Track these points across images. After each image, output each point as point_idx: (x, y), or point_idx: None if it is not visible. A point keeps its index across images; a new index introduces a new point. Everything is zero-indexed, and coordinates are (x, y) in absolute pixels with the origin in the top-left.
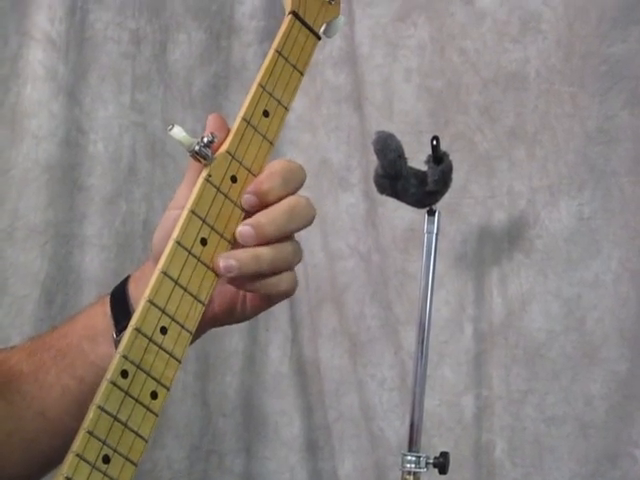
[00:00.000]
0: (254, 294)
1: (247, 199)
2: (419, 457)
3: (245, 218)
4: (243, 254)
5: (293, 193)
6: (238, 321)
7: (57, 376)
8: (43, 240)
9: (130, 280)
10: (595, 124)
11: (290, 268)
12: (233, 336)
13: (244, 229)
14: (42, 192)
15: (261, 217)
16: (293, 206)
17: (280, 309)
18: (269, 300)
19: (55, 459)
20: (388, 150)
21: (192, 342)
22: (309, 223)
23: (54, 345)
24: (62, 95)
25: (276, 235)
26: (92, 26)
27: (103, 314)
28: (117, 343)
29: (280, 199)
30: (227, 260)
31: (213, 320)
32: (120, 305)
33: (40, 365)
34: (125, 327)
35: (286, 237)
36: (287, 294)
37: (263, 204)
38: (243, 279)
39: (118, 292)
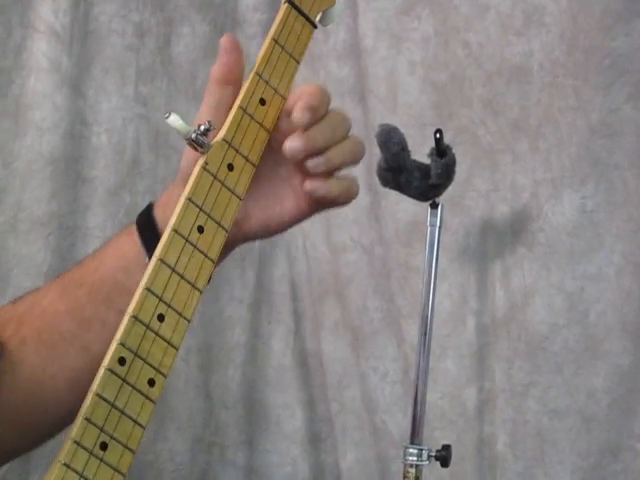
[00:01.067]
0: (294, 204)
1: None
2: (421, 450)
3: (244, 205)
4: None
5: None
6: (272, 235)
7: (95, 311)
8: (46, 232)
9: (156, 206)
10: (598, 117)
11: (362, 157)
12: (235, 329)
13: (292, 139)
14: (46, 184)
15: (311, 131)
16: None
17: (282, 302)
18: (313, 208)
19: None
20: (391, 143)
21: (223, 258)
22: (346, 133)
23: (86, 281)
24: (66, 87)
25: (324, 144)
26: (96, 18)
27: (132, 243)
28: None
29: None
30: (314, 159)
31: (249, 234)
32: (149, 232)
33: (75, 302)
34: None
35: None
36: (351, 200)
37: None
38: (323, 182)
39: (144, 220)
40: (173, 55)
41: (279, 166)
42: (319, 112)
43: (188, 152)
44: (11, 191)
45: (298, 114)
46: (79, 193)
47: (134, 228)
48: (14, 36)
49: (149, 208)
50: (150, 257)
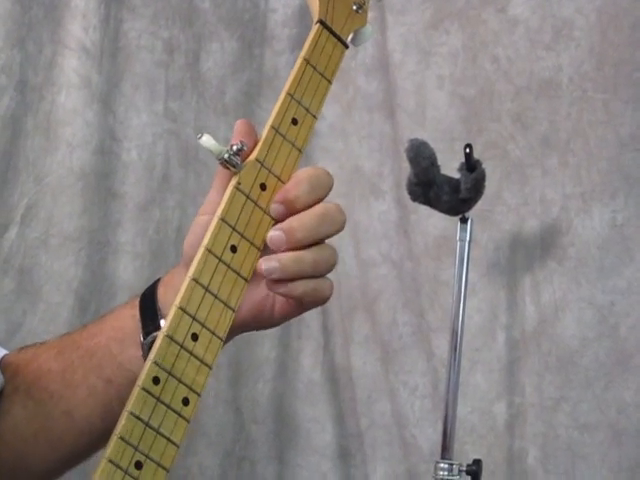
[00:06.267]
0: (284, 300)
1: (275, 208)
2: (452, 465)
3: (275, 225)
4: (285, 256)
5: (321, 199)
6: (265, 327)
7: (84, 376)
8: (77, 247)
9: (160, 284)
10: (628, 131)
11: (329, 271)
12: (265, 344)
13: (275, 234)
14: (76, 199)
15: (293, 222)
16: (324, 211)
17: (312, 316)
18: (300, 306)
19: (82, 455)
20: (421, 158)
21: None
22: (340, 229)
23: (83, 345)
24: (96, 103)
25: (307, 240)
26: (126, 35)
27: (132, 316)
28: (144, 347)
29: (308, 206)
30: (269, 262)
31: (241, 326)
32: (148, 309)
33: (68, 364)
34: (151, 331)
35: (322, 241)
36: (323, 301)
37: (291, 212)
38: (284, 283)
39: (147, 295)
40: (202, 71)
41: None
42: (297, 204)
43: (191, 234)
44: (42, 207)
45: (271, 207)
46: (110, 208)
47: (137, 301)
48: (45, 53)
49: (155, 284)
50: (145, 334)
